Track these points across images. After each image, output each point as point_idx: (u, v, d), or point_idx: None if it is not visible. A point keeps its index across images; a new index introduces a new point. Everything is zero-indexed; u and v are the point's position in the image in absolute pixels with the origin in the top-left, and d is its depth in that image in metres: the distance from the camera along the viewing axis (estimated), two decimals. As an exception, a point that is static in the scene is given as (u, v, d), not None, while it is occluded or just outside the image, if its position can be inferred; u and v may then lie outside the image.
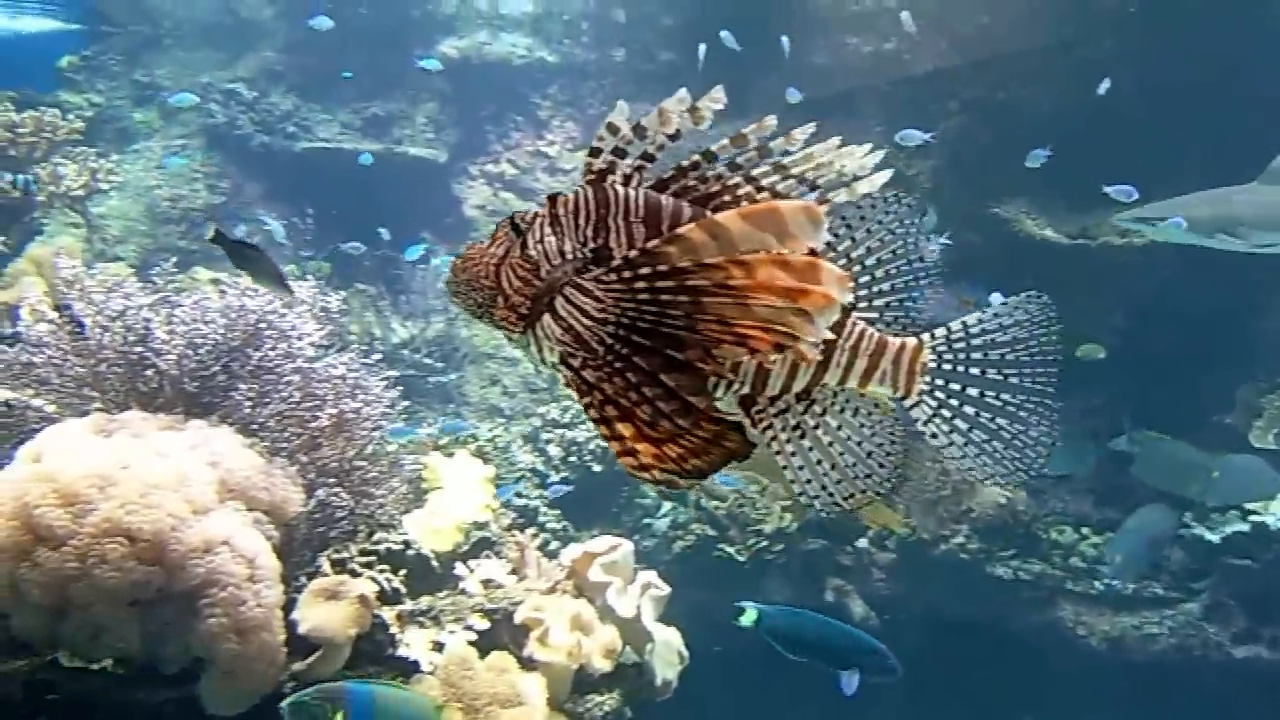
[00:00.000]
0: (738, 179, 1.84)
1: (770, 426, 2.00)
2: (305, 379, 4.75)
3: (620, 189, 1.86)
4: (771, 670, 5.95)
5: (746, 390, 1.94)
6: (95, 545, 3.73)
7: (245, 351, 4.68)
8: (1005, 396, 2.05)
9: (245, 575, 3.96)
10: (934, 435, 2.08)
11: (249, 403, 4.62)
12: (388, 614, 4.51)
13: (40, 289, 6.32)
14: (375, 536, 4.80)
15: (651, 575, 5.12)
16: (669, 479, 1.82)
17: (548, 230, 1.87)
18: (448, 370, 9.58)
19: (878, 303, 2.04)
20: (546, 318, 1.85)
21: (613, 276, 1.78)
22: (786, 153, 1.81)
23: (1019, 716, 7.31)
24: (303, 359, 4.77)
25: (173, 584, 3.85)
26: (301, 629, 4.18)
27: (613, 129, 1.84)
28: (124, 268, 7.51)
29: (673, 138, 1.82)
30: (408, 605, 4.68)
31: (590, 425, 7.73)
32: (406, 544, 4.86)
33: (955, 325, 2.05)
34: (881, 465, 2.05)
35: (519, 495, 7.01)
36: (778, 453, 2.02)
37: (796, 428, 2.02)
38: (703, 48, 7.89)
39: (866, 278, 2.03)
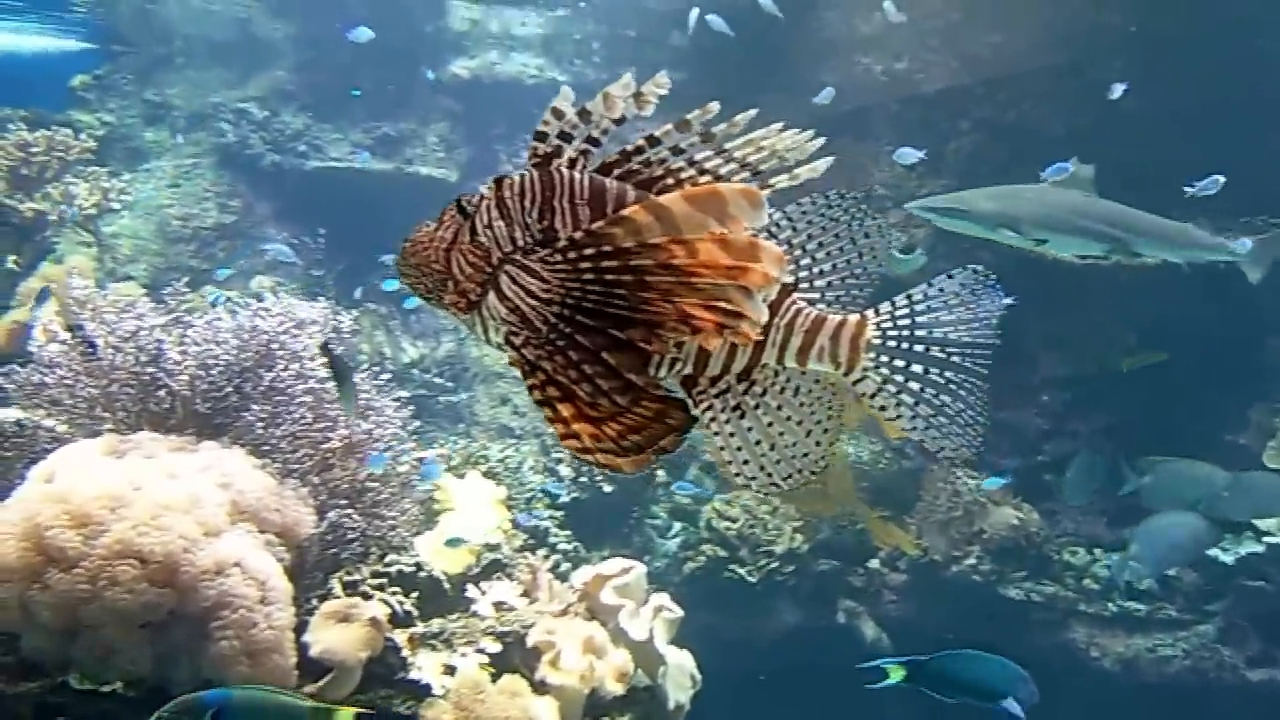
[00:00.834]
0: (681, 163, 1.86)
1: (710, 407, 2.02)
2: (317, 400, 4.74)
3: (565, 172, 1.87)
4: (783, 693, 5.92)
5: (688, 370, 1.96)
6: (107, 567, 3.72)
7: (257, 372, 4.67)
8: (949, 374, 2.07)
9: (257, 597, 3.95)
10: (883, 408, 2.08)
11: (261, 424, 4.61)
12: (399, 636, 4.49)
13: (52, 308, 6.33)
14: (387, 558, 4.78)
15: (664, 598, 5.09)
16: (610, 461, 1.85)
17: (495, 214, 1.88)
18: (458, 390, 9.58)
19: (818, 283, 2.06)
20: (492, 297, 1.87)
21: (558, 257, 1.80)
22: (730, 137, 1.82)
23: (1032, 739, 7.26)
24: (314, 380, 4.76)
25: (184, 606, 3.84)
26: (313, 651, 4.15)
27: (558, 114, 1.85)
28: (135, 287, 7.52)
29: (618, 122, 1.83)
30: (419, 628, 4.66)
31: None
32: (418, 566, 4.84)
33: (900, 299, 2.06)
34: (818, 444, 2.07)
35: (530, 515, 7.00)
36: (716, 433, 2.03)
37: (736, 408, 2.03)
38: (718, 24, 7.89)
39: (807, 260, 2.04)
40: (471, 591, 5.05)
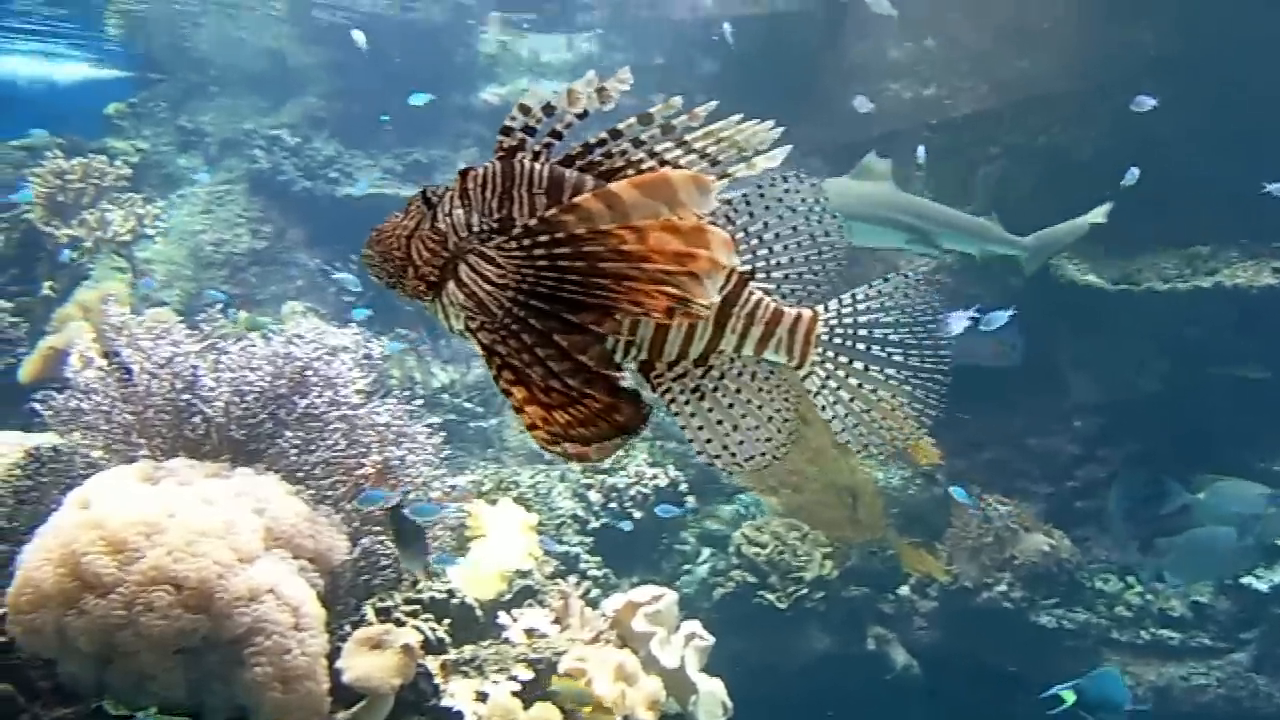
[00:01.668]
0: (641, 154, 1.90)
1: (669, 390, 2.06)
2: (350, 426, 4.76)
3: (526, 163, 1.92)
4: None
5: (645, 356, 2.00)
6: (142, 593, 3.74)
7: (291, 399, 4.69)
8: (889, 371, 2.11)
9: (290, 624, 3.95)
10: (823, 407, 2.12)
11: (295, 450, 4.63)
12: (432, 663, 4.49)
13: (88, 334, 6.39)
14: (419, 585, 4.79)
15: (695, 625, 5.08)
16: (561, 449, 1.89)
17: (456, 203, 1.94)
18: (488, 415, 9.60)
19: (775, 275, 2.08)
20: (451, 284, 1.92)
21: (513, 244, 1.84)
22: (689, 129, 1.86)
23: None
24: (347, 406, 4.78)
25: (218, 632, 3.85)
26: (346, 678, 4.15)
27: (525, 109, 1.90)
28: (169, 312, 7.58)
29: (581, 117, 1.88)
30: (451, 654, 4.66)
31: (628, 472, 7.77)
32: (450, 592, 4.85)
33: (845, 298, 2.10)
34: (779, 430, 2.10)
35: (560, 541, 7.00)
36: (677, 414, 2.07)
37: (696, 390, 2.07)
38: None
39: (764, 250, 2.07)
40: (503, 618, 5.06)
